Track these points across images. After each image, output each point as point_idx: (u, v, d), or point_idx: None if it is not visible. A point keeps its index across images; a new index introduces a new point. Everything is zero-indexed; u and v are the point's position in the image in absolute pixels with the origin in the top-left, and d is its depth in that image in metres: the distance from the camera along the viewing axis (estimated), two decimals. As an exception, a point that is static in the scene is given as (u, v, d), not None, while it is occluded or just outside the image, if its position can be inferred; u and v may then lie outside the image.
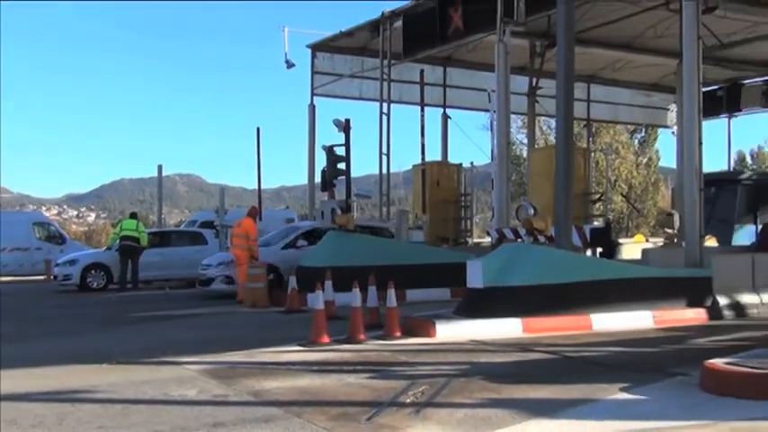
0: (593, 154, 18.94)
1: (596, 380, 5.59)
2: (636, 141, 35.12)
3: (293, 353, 7.14)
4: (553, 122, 18.91)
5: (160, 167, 21.29)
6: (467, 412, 4.71)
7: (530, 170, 16.81)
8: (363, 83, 18.23)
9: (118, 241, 15.58)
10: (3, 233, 19.43)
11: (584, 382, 5.52)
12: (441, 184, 17.34)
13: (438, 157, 18.69)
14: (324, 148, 13.08)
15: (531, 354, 6.90)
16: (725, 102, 19.43)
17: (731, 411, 4.55)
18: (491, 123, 13.39)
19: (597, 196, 16.07)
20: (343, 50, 17.81)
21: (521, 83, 17.05)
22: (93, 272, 15.64)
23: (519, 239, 10.43)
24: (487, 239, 15.60)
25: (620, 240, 16.95)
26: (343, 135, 12.79)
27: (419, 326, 8.18)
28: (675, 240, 11.26)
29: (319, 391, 5.43)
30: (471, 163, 17.93)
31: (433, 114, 18.93)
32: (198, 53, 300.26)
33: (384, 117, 15.95)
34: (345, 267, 10.54)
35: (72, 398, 5.27)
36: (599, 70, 18.76)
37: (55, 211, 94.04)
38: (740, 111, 19.93)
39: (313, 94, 17.88)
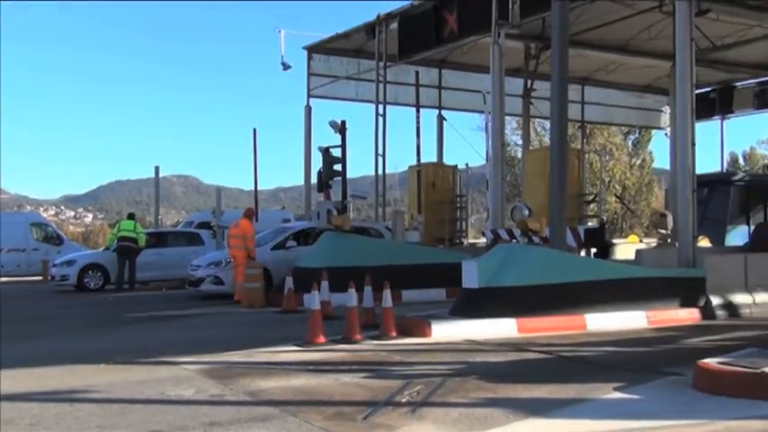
0: (587, 155, 19.07)
1: (591, 379, 5.62)
2: (629, 143, 35.32)
3: (289, 353, 7.15)
4: (548, 124, 19.04)
5: (157, 169, 21.31)
6: (462, 411, 4.73)
7: (524, 171, 16.87)
8: (359, 84, 18.28)
9: (115, 242, 15.63)
10: (1, 234, 19.43)
11: (578, 381, 5.55)
12: (436, 185, 17.41)
13: (433, 159, 18.77)
14: (320, 149, 13.11)
15: (526, 353, 6.93)
16: (717, 103, 19.60)
17: (724, 410, 4.58)
18: (486, 125, 13.45)
19: (591, 197, 16.16)
20: (339, 52, 17.86)
21: (515, 85, 17.11)
22: (90, 272, 15.67)
23: (514, 240, 10.47)
24: (483, 240, 15.69)
25: (614, 241, 17.00)
26: (339, 136, 12.82)
27: (415, 326, 8.20)
28: (669, 241, 11.31)
29: (315, 390, 5.45)
30: (466, 164, 18.05)
31: (429, 116, 19.05)
32: (195, 55, 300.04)
33: (380, 118, 15.99)
34: (341, 268, 10.56)
35: (70, 398, 5.28)
36: (593, 72, 18.86)
37: (52, 212, 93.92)
38: (732, 112, 20.10)
39: (309, 96, 17.92)
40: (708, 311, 9.35)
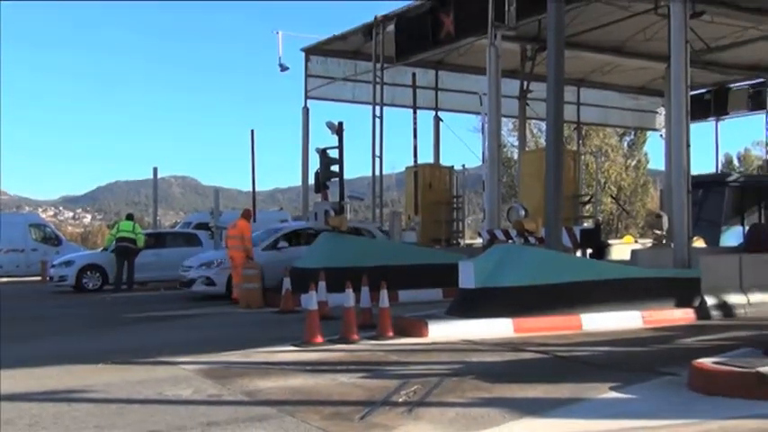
0: (582, 156, 19.16)
1: (586, 379, 5.64)
2: (625, 144, 35.45)
3: (287, 353, 7.17)
4: (543, 125, 19.06)
5: (155, 169, 21.35)
6: (459, 411, 4.75)
7: (520, 172, 16.94)
8: (356, 86, 18.32)
9: (114, 242, 15.66)
10: (0, 235, 19.40)
11: (574, 381, 5.57)
12: (433, 186, 17.46)
13: (430, 160, 18.80)
14: (317, 150, 13.14)
15: (522, 353, 6.95)
16: (712, 105, 19.72)
17: (719, 410, 4.60)
18: (482, 126, 13.51)
19: (587, 198, 16.23)
20: (337, 54, 17.90)
21: (512, 86, 17.19)
22: (88, 273, 15.69)
23: (510, 241, 10.52)
24: (479, 241, 15.71)
25: (610, 241, 17.08)
26: (336, 138, 12.85)
27: (411, 326, 8.23)
28: (664, 241, 11.39)
29: (313, 390, 5.46)
30: (463, 165, 18.10)
31: (426, 117, 19.07)
32: (193, 56, 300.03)
33: (377, 120, 16.02)
34: (339, 268, 10.59)
35: (68, 398, 5.28)
36: (589, 74, 18.94)
37: (51, 213, 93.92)
38: (727, 114, 20.21)
39: (307, 97, 17.96)
40: (703, 311, 9.40)
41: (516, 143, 24.59)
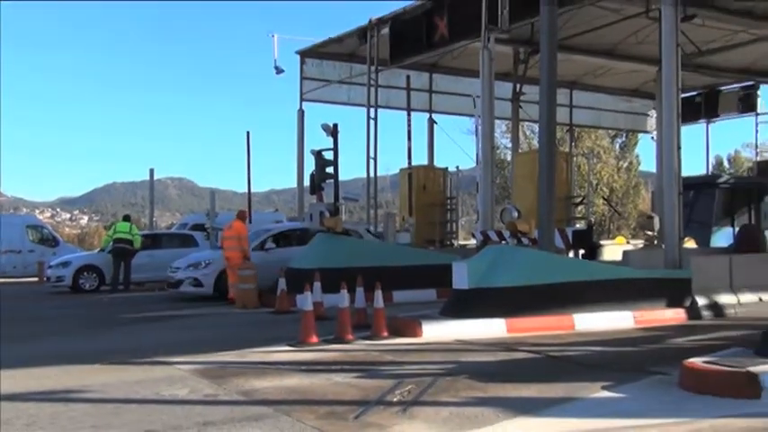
0: (575, 158, 19.23)
1: (579, 379, 5.68)
2: (617, 146, 35.70)
3: (282, 353, 7.20)
4: (536, 127, 19.20)
5: (152, 171, 21.35)
6: (452, 410, 4.78)
7: (514, 174, 17.02)
8: (351, 88, 18.38)
9: (111, 243, 15.70)
10: None
11: (567, 380, 5.62)
12: (427, 187, 17.52)
13: (424, 161, 18.88)
14: (312, 152, 13.19)
15: (515, 353, 7.00)
16: (703, 107, 19.87)
17: (709, 409, 4.64)
18: (476, 128, 13.56)
19: (579, 199, 16.32)
20: (332, 57, 17.96)
21: (505, 89, 17.26)
22: (85, 273, 15.74)
23: (503, 241, 10.58)
24: (473, 242, 15.79)
25: (602, 242, 17.21)
26: (331, 139, 12.89)
27: (406, 326, 8.27)
28: (655, 242, 11.48)
29: (308, 390, 5.49)
30: (457, 167, 18.17)
31: (420, 119, 19.17)
32: (190, 58, 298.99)
33: (371, 122, 16.09)
34: (334, 269, 10.63)
35: (65, 398, 5.30)
36: (581, 76, 19.06)
37: (48, 215, 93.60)
38: (718, 116, 20.36)
39: (302, 100, 18.01)
40: (693, 312, 9.47)
41: (509, 145, 24.73)
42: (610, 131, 31.62)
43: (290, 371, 6.23)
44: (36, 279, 19.01)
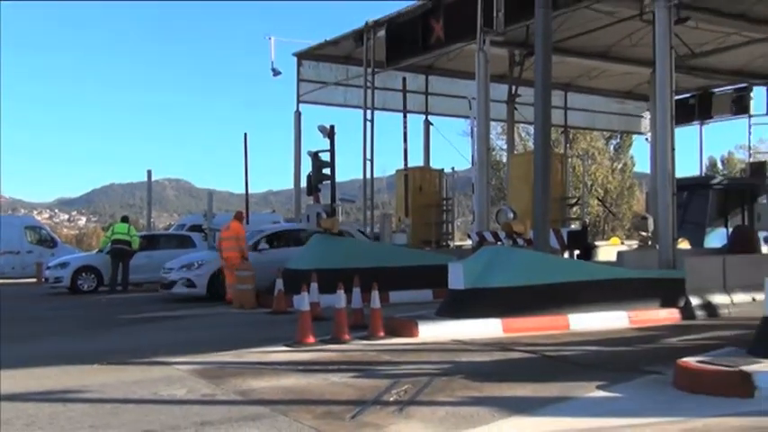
0: (570, 160, 19.35)
1: (574, 378, 5.72)
2: (611, 147, 35.85)
3: (280, 353, 7.22)
4: (532, 129, 19.24)
5: (149, 172, 21.34)
6: (448, 410, 4.80)
7: (509, 175, 17.09)
8: (348, 90, 18.42)
9: (109, 244, 15.72)
10: None
11: (562, 380, 5.65)
12: (423, 188, 17.58)
13: (420, 163, 18.92)
14: (309, 153, 13.24)
15: (510, 353, 7.03)
16: (696, 109, 19.95)
17: (703, 408, 4.68)
18: (471, 130, 13.65)
19: (574, 200, 16.41)
20: (328, 59, 17.99)
21: (500, 91, 17.34)
22: (83, 274, 15.76)
23: (499, 242, 10.63)
24: (469, 242, 15.85)
25: (597, 243, 17.27)
26: (328, 141, 12.94)
27: (402, 326, 8.31)
28: (649, 243, 11.54)
29: (305, 389, 5.51)
30: (452, 168, 18.23)
31: (416, 121, 19.19)
32: (188, 60, 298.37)
33: (368, 123, 16.11)
34: (330, 270, 10.68)
35: (63, 398, 5.31)
36: (576, 78, 19.14)
37: (46, 215, 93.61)
38: (711, 118, 20.45)
39: (299, 102, 18.03)
40: (687, 311, 9.53)
41: (505, 146, 24.73)
42: (604, 133, 31.74)
43: (287, 371, 6.25)
44: (34, 280, 19.01)
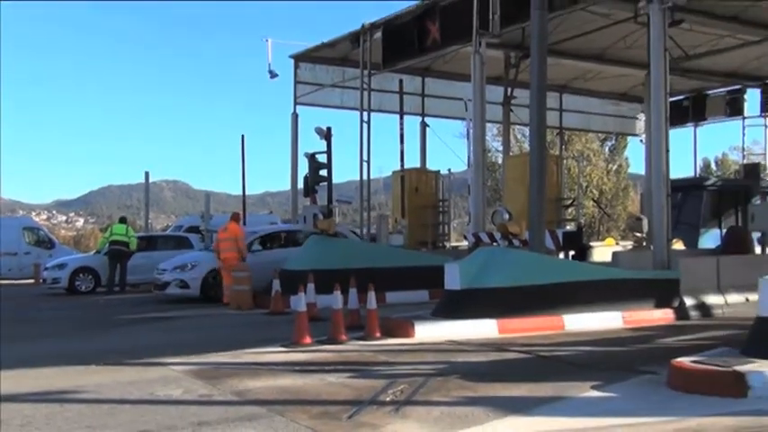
0: (565, 161, 19.37)
1: (569, 378, 5.75)
2: (606, 149, 35.98)
3: (276, 353, 7.25)
4: (527, 130, 19.32)
5: (147, 174, 21.34)
6: (444, 410, 4.83)
7: (505, 176, 17.12)
8: (344, 92, 18.44)
9: (107, 245, 15.75)
10: None
11: (557, 380, 5.68)
12: (419, 190, 17.61)
13: (417, 164, 18.95)
14: (306, 155, 13.24)
15: (506, 353, 7.07)
16: (691, 111, 20.07)
17: (697, 408, 4.70)
18: (467, 131, 13.66)
19: (569, 201, 16.44)
20: (325, 61, 18.01)
21: (496, 92, 17.38)
22: (81, 275, 15.78)
23: (494, 243, 10.68)
24: (465, 243, 15.90)
25: (592, 244, 17.37)
26: (324, 142, 12.97)
27: (398, 327, 8.34)
28: (644, 243, 11.60)
29: (301, 390, 5.53)
30: (449, 170, 18.27)
31: (412, 123, 19.24)
32: (185, 62, 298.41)
33: (364, 125, 16.15)
34: (327, 270, 10.70)
35: (60, 398, 5.33)
36: (571, 80, 19.21)
37: (44, 217, 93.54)
38: (705, 120, 20.56)
39: (296, 103, 18.05)
40: (682, 312, 9.58)
41: (500, 148, 24.87)
42: (600, 135, 31.86)
43: (283, 371, 6.26)
44: (32, 281, 19.01)
